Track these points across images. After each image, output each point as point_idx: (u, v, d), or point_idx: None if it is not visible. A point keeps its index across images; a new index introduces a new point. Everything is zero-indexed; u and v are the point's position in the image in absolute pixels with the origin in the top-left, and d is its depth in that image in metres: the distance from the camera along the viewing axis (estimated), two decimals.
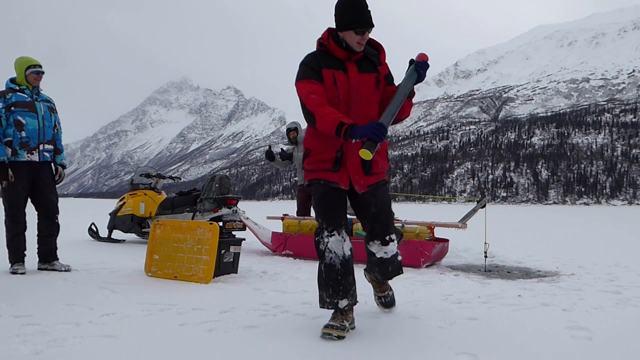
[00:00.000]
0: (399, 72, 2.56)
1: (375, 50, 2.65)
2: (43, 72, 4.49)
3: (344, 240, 2.51)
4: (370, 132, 2.19)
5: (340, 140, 2.44)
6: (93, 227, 7.88)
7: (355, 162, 2.52)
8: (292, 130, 7.16)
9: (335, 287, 2.49)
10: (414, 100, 2.66)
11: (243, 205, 6.38)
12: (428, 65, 2.46)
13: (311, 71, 2.47)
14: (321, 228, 2.55)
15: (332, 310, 2.57)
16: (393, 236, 2.68)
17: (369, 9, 2.47)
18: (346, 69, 2.51)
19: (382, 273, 2.81)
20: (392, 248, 2.70)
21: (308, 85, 2.43)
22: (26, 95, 4.41)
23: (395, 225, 5.73)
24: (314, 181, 2.61)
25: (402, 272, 2.85)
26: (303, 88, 2.43)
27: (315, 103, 2.36)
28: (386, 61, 2.65)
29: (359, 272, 4.99)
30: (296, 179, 7.28)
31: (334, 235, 2.50)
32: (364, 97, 2.51)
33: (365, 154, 2.17)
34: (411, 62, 2.50)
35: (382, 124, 2.23)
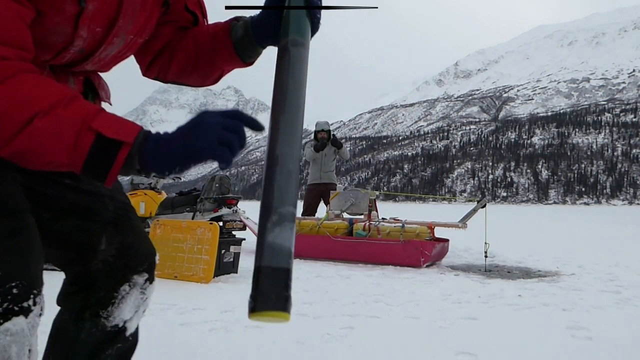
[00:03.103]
0: None
1: None
2: None
3: (33, 328, 0.88)
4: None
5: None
6: None
7: None
8: (325, 131, 6.86)
9: None
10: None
11: (243, 205, 6.37)
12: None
13: None
14: None
15: None
16: None
17: None
18: None
19: None
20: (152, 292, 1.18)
21: None
22: None
23: (396, 225, 5.68)
24: None
25: None
26: None
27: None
28: None
29: (361, 274, 4.96)
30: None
31: (13, 320, 0.82)
32: (137, 28, 1.04)
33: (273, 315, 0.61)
34: None
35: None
